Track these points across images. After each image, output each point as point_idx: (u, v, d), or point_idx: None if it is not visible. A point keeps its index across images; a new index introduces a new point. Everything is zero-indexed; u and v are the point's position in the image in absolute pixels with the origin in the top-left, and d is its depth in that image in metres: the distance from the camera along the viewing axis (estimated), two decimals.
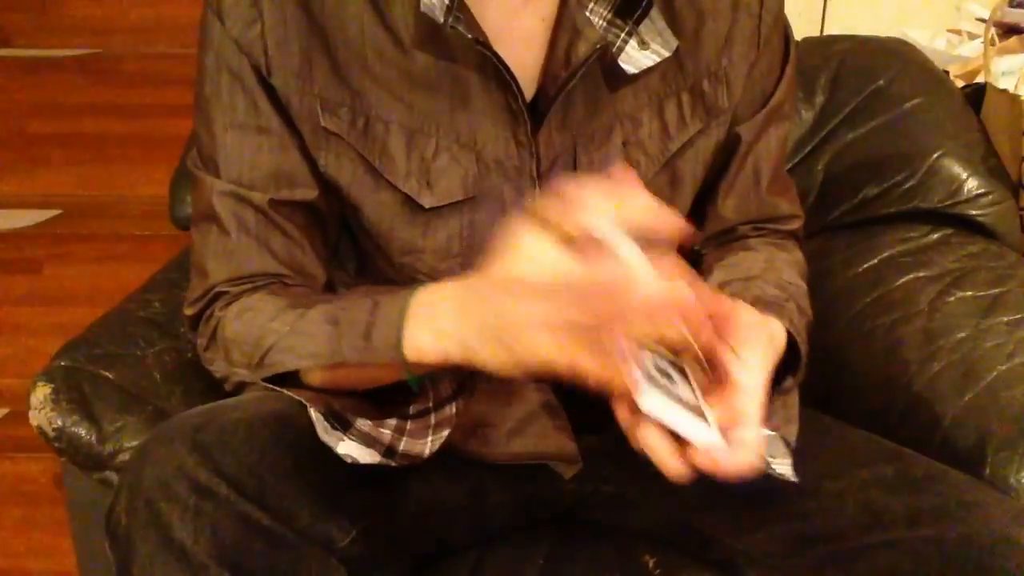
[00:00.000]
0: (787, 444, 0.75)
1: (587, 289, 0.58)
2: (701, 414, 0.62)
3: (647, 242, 0.59)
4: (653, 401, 0.60)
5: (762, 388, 0.64)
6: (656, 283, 0.57)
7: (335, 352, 0.70)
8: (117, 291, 1.10)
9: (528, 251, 0.61)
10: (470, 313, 0.63)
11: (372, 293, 0.72)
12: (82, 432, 0.89)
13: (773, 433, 0.74)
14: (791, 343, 0.74)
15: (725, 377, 0.63)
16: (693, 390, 0.63)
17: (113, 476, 0.89)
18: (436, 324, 0.65)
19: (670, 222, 0.60)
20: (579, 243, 0.59)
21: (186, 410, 0.72)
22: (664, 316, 0.57)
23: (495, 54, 0.75)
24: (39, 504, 1.62)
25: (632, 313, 0.56)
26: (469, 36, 0.74)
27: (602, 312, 0.57)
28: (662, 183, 0.84)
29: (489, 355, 0.62)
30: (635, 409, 0.61)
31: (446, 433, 0.71)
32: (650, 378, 0.61)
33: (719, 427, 0.61)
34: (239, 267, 0.80)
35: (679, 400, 0.61)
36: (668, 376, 0.62)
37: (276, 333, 0.74)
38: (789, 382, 0.76)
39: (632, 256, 0.58)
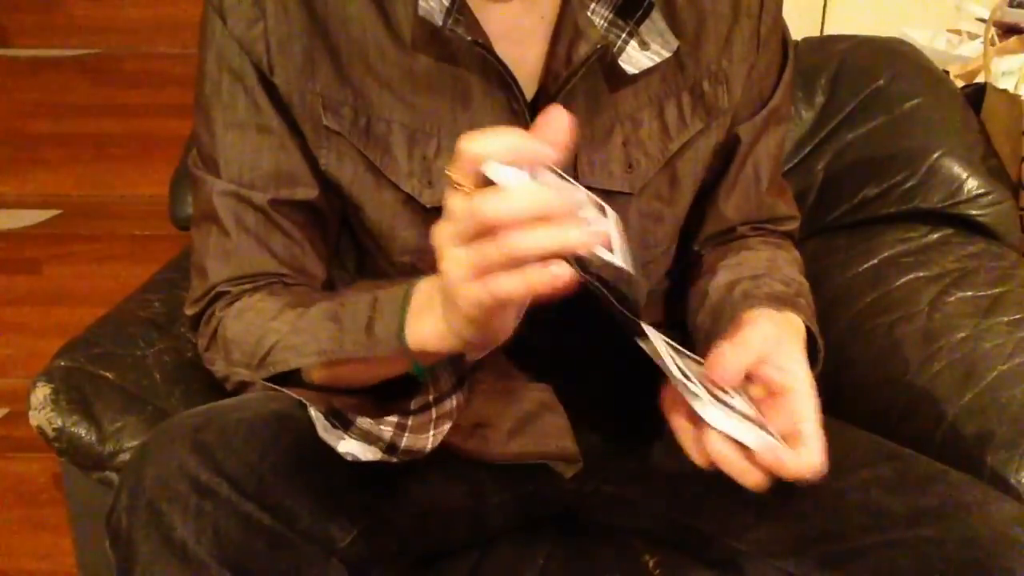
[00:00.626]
0: None
1: (467, 223, 0.55)
2: (761, 423, 0.63)
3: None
4: (714, 412, 0.61)
5: (812, 387, 0.65)
6: (532, 192, 0.54)
7: (337, 348, 0.70)
8: (117, 291, 1.10)
9: (448, 217, 0.57)
10: (439, 298, 0.62)
11: (371, 288, 0.72)
12: (82, 432, 0.89)
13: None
14: (809, 337, 0.75)
15: (774, 389, 0.65)
16: (748, 402, 0.64)
17: (113, 476, 0.89)
18: (434, 312, 0.64)
19: (545, 153, 0.55)
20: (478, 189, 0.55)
21: (186, 410, 0.72)
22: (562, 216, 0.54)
23: (496, 56, 0.75)
24: (39, 504, 1.62)
25: (512, 224, 0.53)
26: (469, 39, 0.74)
27: (483, 234, 0.54)
28: (662, 183, 0.84)
29: (468, 331, 0.60)
30: (695, 422, 0.62)
31: (447, 427, 0.71)
32: (708, 391, 0.62)
33: (779, 435, 0.63)
34: (240, 267, 0.80)
35: (737, 412, 0.62)
36: (724, 391, 0.63)
37: (277, 332, 0.74)
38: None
39: (517, 181, 0.54)
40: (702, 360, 0.65)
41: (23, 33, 2.20)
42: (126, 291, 1.08)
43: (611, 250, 0.56)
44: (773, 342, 0.67)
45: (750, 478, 0.62)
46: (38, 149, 2.13)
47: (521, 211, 0.52)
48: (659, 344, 0.62)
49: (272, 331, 0.74)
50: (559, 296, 0.54)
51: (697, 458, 0.64)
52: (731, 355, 0.65)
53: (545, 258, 0.53)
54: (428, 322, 0.64)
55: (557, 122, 0.56)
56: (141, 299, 1.05)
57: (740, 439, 0.61)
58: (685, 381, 0.61)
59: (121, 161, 2.11)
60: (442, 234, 0.56)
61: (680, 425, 0.64)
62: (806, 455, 0.63)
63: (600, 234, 0.56)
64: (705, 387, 0.62)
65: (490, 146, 0.54)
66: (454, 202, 0.55)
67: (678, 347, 0.66)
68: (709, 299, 0.82)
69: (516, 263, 0.53)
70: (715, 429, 0.61)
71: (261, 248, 0.80)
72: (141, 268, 1.18)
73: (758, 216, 0.90)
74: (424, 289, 0.66)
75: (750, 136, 0.86)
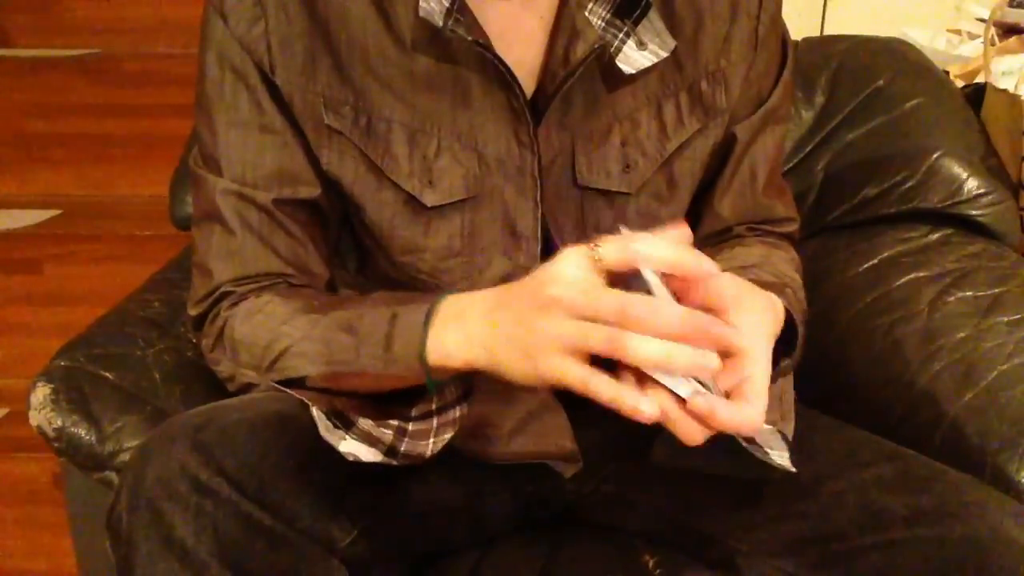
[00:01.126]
0: (784, 437, 0.75)
1: (612, 316, 0.59)
2: (703, 381, 0.63)
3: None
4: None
5: (765, 356, 0.65)
6: (680, 314, 0.60)
7: (353, 360, 0.71)
8: (117, 291, 1.09)
9: (567, 274, 0.62)
10: (499, 322, 0.64)
11: (389, 303, 0.72)
12: (82, 432, 0.89)
13: (770, 427, 0.74)
14: (789, 326, 0.74)
15: (729, 349, 0.64)
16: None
17: (113, 476, 0.89)
18: (466, 329, 0.66)
19: (699, 270, 0.62)
20: (617, 280, 0.62)
21: (186, 410, 0.72)
22: (683, 345, 0.59)
23: (496, 56, 0.75)
24: (39, 504, 1.62)
25: (650, 340, 0.59)
26: (469, 39, 0.74)
27: (620, 340, 0.59)
28: (660, 183, 0.84)
29: (513, 365, 0.63)
30: (641, 379, 0.62)
31: (449, 436, 0.71)
32: None
33: (723, 391, 0.63)
34: (244, 267, 0.80)
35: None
36: None
37: (289, 337, 0.74)
38: (786, 363, 0.76)
39: (663, 296, 0.61)
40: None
41: (23, 33, 2.20)
42: (126, 291, 1.08)
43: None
44: (737, 291, 0.66)
45: (685, 429, 0.61)
46: (38, 149, 2.13)
47: (672, 328, 0.59)
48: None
49: (284, 336, 0.74)
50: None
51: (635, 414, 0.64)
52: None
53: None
54: (454, 337, 0.66)
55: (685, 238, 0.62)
56: (141, 299, 1.05)
57: (673, 388, 0.61)
58: None
59: (121, 161, 2.11)
60: (561, 294, 0.61)
61: (626, 379, 0.63)
62: (745, 410, 0.61)
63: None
64: None
65: (655, 254, 0.60)
66: (587, 276, 0.61)
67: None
68: None
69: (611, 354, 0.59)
70: (653, 377, 0.61)
71: (265, 248, 0.80)
72: (141, 268, 1.18)
73: (754, 216, 0.90)
74: (454, 304, 0.68)
75: (747, 136, 0.86)
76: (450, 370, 0.68)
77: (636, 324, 0.59)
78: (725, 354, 0.63)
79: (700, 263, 0.61)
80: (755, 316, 0.66)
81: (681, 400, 0.61)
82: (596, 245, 0.61)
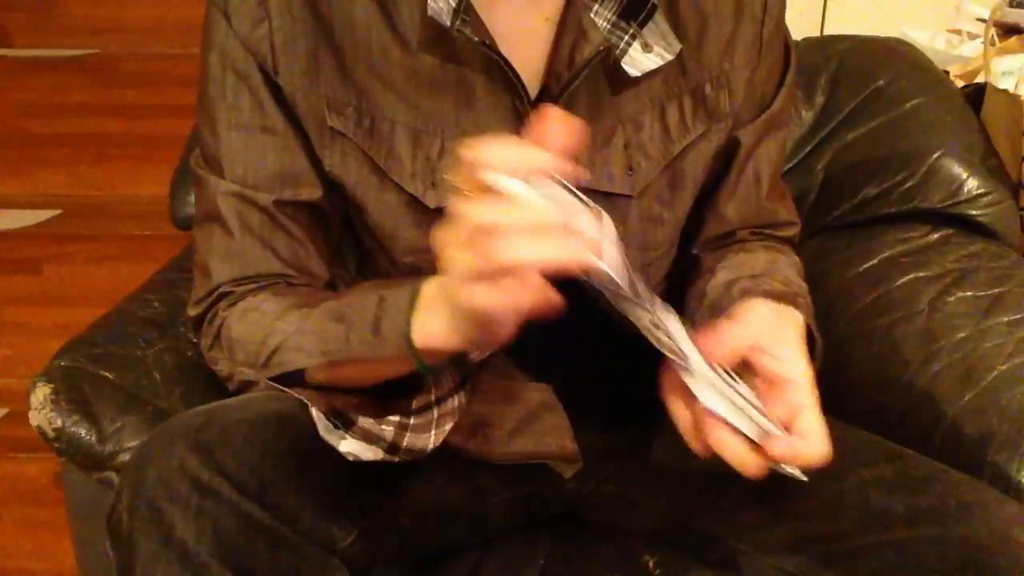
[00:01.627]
0: None
1: (464, 228, 0.55)
2: (762, 411, 0.63)
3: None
4: (710, 395, 0.61)
5: (810, 376, 0.65)
6: (542, 207, 0.55)
7: (344, 348, 0.70)
8: (117, 291, 1.09)
9: (449, 214, 0.58)
10: (446, 295, 0.63)
11: (376, 288, 0.72)
12: (82, 432, 0.89)
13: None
14: (808, 337, 0.75)
15: (772, 379, 0.65)
16: (751, 392, 0.64)
17: (113, 476, 0.89)
18: (440, 310, 0.64)
19: (558, 167, 0.56)
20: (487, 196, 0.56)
21: (186, 410, 0.72)
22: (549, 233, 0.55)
23: (502, 56, 0.75)
24: (39, 504, 1.62)
25: (515, 235, 0.54)
26: (476, 39, 0.74)
27: (480, 240, 0.55)
28: (663, 186, 0.84)
29: (469, 332, 0.61)
30: (693, 409, 0.62)
31: (449, 426, 0.71)
32: (705, 378, 0.62)
33: (780, 424, 0.63)
34: (244, 267, 0.80)
35: (741, 398, 0.62)
36: (728, 377, 0.63)
37: (282, 332, 0.74)
38: None
39: (525, 195, 0.55)
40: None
41: (23, 33, 2.20)
42: (126, 291, 1.08)
43: (601, 258, 0.57)
44: (769, 328, 0.67)
45: (750, 467, 0.62)
46: (38, 149, 2.14)
47: (513, 222, 0.53)
48: (669, 323, 0.62)
49: (277, 331, 0.74)
50: (548, 311, 0.55)
51: (695, 446, 0.64)
52: (727, 331, 0.65)
53: (533, 269, 0.54)
54: (434, 320, 0.65)
55: (556, 125, 0.56)
56: (141, 299, 1.05)
57: (736, 424, 0.61)
58: (684, 361, 0.61)
59: (121, 161, 2.11)
60: (443, 236, 0.57)
61: (678, 411, 0.64)
62: (810, 444, 0.63)
63: (587, 247, 0.56)
64: (708, 372, 0.62)
65: (490, 154, 0.54)
66: (455, 206, 0.56)
67: (683, 328, 0.65)
68: (707, 298, 0.82)
69: (505, 272, 0.54)
70: (712, 414, 0.61)
71: (265, 249, 0.80)
72: (141, 268, 1.18)
73: (758, 220, 0.90)
74: (431, 287, 0.66)
75: (751, 140, 0.86)
76: (438, 352, 0.66)
77: (501, 226, 0.54)
78: (770, 385, 0.64)
79: (532, 156, 0.55)
80: (791, 341, 0.67)
81: (741, 433, 0.61)
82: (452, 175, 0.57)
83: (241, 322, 0.78)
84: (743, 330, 0.67)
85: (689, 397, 0.63)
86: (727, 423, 0.61)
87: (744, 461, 0.62)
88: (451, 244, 0.57)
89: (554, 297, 0.55)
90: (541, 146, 0.55)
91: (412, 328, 0.65)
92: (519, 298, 0.55)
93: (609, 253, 0.58)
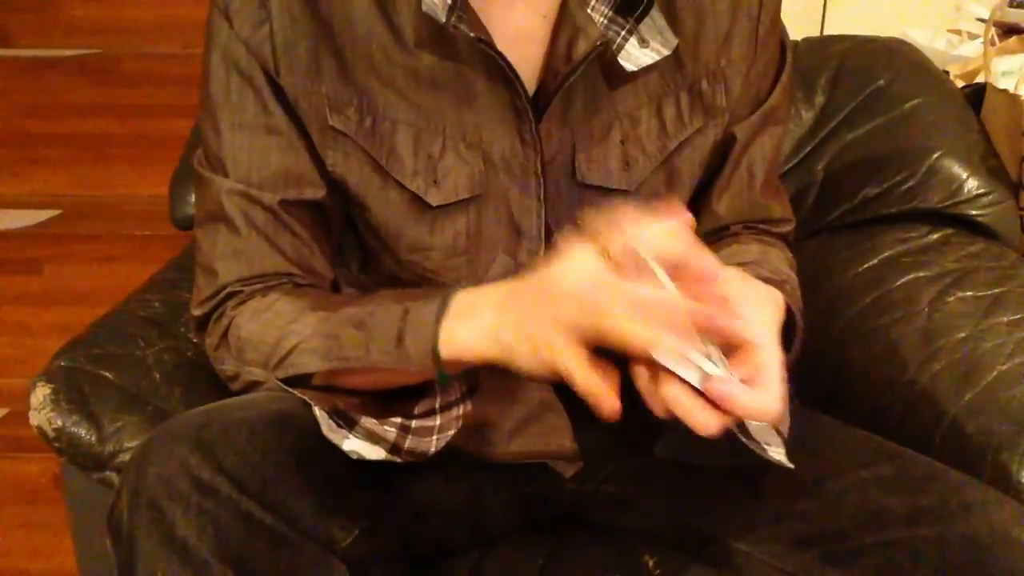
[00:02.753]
0: (780, 433, 0.75)
1: (619, 299, 0.60)
2: (716, 362, 0.62)
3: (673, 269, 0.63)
4: (668, 355, 0.61)
5: (776, 347, 0.65)
6: (683, 301, 0.60)
7: (363, 356, 0.71)
8: (117, 291, 1.09)
9: (577, 268, 0.62)
10: (509, 313, 0.65)
11: (400, 299, 0.72)
12: (82, 432, 0.89)
13: (766, 424, 0.74)
14: (787, 322, 0.74)
15: (736, 340, 0.64)
16: (719, 354, 0.63)
17: (113, 476, 0.89)
18: (478, 322, 0.66)
19: (697, 256, 0.63)
20: (620, 263, 0.62)
21: (186, 410, 0.72)
22: (687, 330, 0.60)
23: (499, 53, 0.75)
24: (39, 504, 1.62)
25: (658, 327, 0.59)
26: (472, 35, 0.74)
27: (630, 323, 0.60)
28: (659, 181, 0.84)
29: (525, 358, 0.64)
30: (654, 372, 0.62)
31: (452, 433, 0.71)
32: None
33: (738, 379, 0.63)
34: (250, 267, 0.80)
35: (693, 353, 0.62)
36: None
37: (298, 335, 0.74)
38: (787, 356, 0.76)
39: (664, 278, 0.61)
40: None
41: (23, 33, 2.20)
42: (126, 291, 1.08)
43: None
44: (740, 288, 0.66)
45: (700, 419, 0.60)
46: (38, 149, 2.14)
47: (670, 320, 0.60)
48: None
49: (293, 333, 0.75)
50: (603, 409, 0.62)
51: (655, 407, 0.63)
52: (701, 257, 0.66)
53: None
54: (468, 331, 0.67)
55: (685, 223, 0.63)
56: (141, 299, 1.05)
57: (686, 377, 0.61)
58: None
59: (121, 161, 2.11)
60: (575, 281, 0.62)
61: (640, 374, 0.63)
62: (763, 396, 0.61)
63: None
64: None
65: (661, 246, 0.61)
66: (616, 285, 0.61)
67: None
68: None
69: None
70: (661, 365, 0.61)
71: (271, 248, 0.80)
72: (141, 268, 1.18)
73: (751, 216, 0.90)
74: (467, 299, 0.68)
75: (746, 136, 0.86)
76: (462, 364, 0.68)
77: (645, 315, 0.59)
78: (735, 346, 0.63)
79: (705, 261, 0.62)
80: (761, 308, 0.67)
81: (697, 391, 0.61)
82: (602, 238, 0.62)
83: (253, 322, 0.78)
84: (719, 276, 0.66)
85: (650, 359, 0.62)
86: (681, 379, 0.61)
87: (695, 416, 0.60)
88: (571, 293, 0.61)
89: (615, 414, 0.61)
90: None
91: (440, 338, 0.67)
92: (599, 393, 0.60)
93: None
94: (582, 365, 0.61)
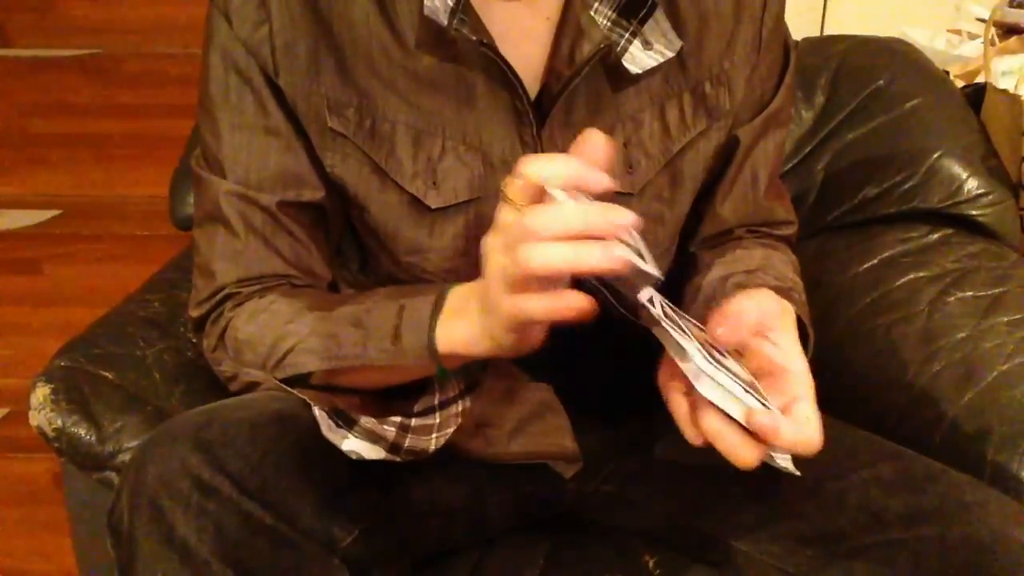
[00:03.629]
0: None
1: (518, 234, 0.58)
2: (762, 396, 0.62)
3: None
4: (708, 384, 0.60)
5: (807, 370, 0.65)
6: (581, 208, 0.57)
7: (361, 354, 0.71)
8: (117, 291, 1.10)
9: (497, 223, 0.61)
10: (484, 300, 0.64)
11: (396, 296, 0.72)
12: (82, 432, 0.89)
13: None
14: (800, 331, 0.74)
15: (770, 367, 0.64)
16: (749, 376, 0.64)
17: (113, 476, 0.89)
18: (469, 317, 0.66)
19: (602, 183, 0.59)
20: (525, 204, 0.60)
21: (186, 410, 0.72)
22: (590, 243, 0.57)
23: (500, 56, 0.75)
24: (39, 504, 1.62)
25: (548, 245, 0.57)
26: (474, 38, 0.74)
27: (528, 251, 0.57)
28: (663, 183, 0.84)
29: (505, 339, 0.63)
30: (690, 398, 0.61)
31: (451, 431, 0.71)
32: (704, 367, 0.61)
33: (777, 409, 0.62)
34: (248, 268, 0.80)
35: (739, 382, 0.62)
36: (721, 366, 0.63)
37: (296, 335, 0.74)
38: None
39: (561, 196, 0.58)
40: (703, 327, 0.65)
41: (23, 33, 2.20)
42: (126, 291, 1.08)
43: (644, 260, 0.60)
44: (772, 314, 0.67)
45: (741, 453, 0.61)
46: (38, 149, 2.14)
47: (570, 226, 0.56)
48: (661, 310, 0.63)
49: (291, 333, 0.75)
50: (580, 316, 0.58)
51: (689, 434, 0.63)
52: (739, 303, 0.65)
53: (575, 274, 0.57)
54: (462, 326, 0.67)
55: (598, 148, 0.60)
56: (141, 299, 1.05)
57: (729, 411, 0.60)
58: (683, 345, 0.61)
59: (121, 161, 2.11)
60: (490, 243, 0.61)
61: (675, 400, 0.63)
62: (806, 429, 0.62)
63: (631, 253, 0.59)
64: (705, 360, 0.62)
65: (552, 171, 0.58)
66: (505, 214, 0.60)
67: (680, 313, 0.65)
68: (703, 292, 0.82)
69: (541, 277, 0.57)
70: (706, 400, 0.61)
71: (269, 249, 0.80)
72: (141, 268, 1.18)
73: (755, 219, 0.90)
74: (460, 293, 0.68)
75: (749, 138, 0.86)
76: (460, 359, 0.68)
77: (542, 233, 0.57)
78: (767, 371, 0.64)
79: (595, 175, 0.59)
80: (793, 335, 0.66)
81: (735, 421, 0.60)
82: (506, 186, 0.61)
83: (250, 323, 0.78)
84: (750, 310, 0.66)
85: (686, 386, 0.63)
86: (721, 411, 0.61)
87: (736, 451, 0.61)
88: (495, 250, 0.60)
89: (586, 303, 0.58)
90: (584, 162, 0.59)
91: (437, 333, 0.68)
92: (554, 304, 0.58)
93: (646, 254, 0.61)
94: (530, 302, 0.59)
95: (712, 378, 0.61)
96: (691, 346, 0.61)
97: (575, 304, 0.58)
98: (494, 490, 0.85)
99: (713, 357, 0.62)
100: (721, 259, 0.85)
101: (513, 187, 0.60)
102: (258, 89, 0.78)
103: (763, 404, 0.61)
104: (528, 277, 0.58)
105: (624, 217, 0.57)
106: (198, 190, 0.83)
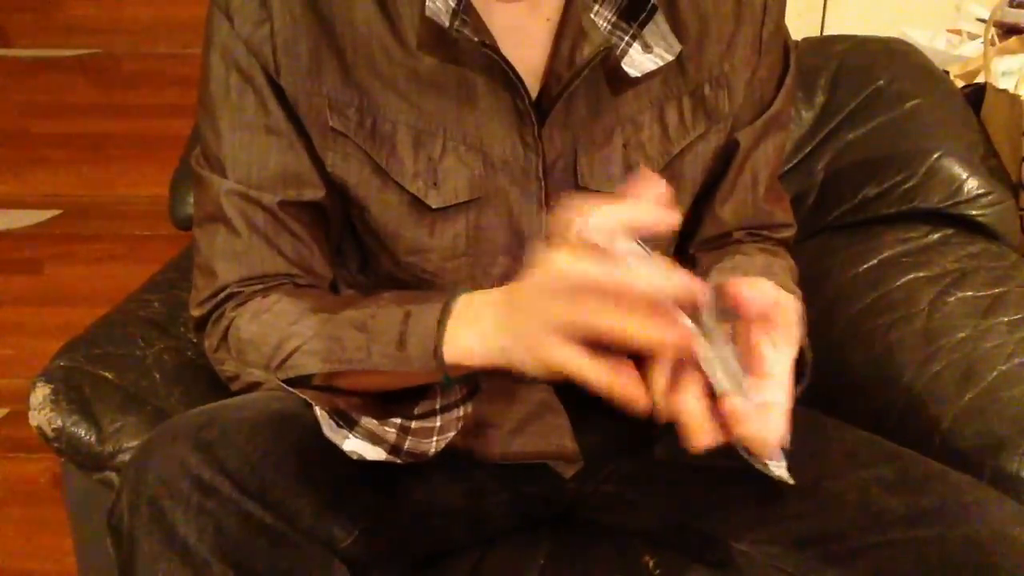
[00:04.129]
0: (781, 448, 0.75)
1: (588, 290, 0.58)
2: (740, 375, 0.62)
3: (651, 242, 0.60)
4: (704, 347, 0.60)
5: (788, 381, 0.64)
6: (657, 277, 0.57)
7: (364, 359, 0.71)
8: (117, 291, 1.10)
9: (557, 261, 0.61)
10: (505, 317, 0.64)
11: (402, 301, 0.72)
12: (82, 432, 0.89)
13: None
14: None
15: (757, 366, 0.63)
16: (736, 357, 0.63)
17: (113, 476, 0.89)
18: (481, 327, 0.66)
19: (668, 221, 0.60)
20: (593, 253, 0.60)
21: (186, 410, 0.72)
22: (664, 311, 0.58)
23: (502, 57, 0.75)
24: (39, 504, 1.62)
25: (631, 309, 0.57)
26: (475, 39, 0.74)
27: (600, 310, 0.57)
28: None
29: (525, 360, 0.63)
30: (675, 378, 0.61)
31: (452, 435, 0.71)
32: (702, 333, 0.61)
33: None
34: (250, 268, 0.80)
35: (724, 359, 0.61)
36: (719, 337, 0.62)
37: (300, 336, 0.74)
38: (797, 389, 0.76)
39: (633, 258, 0.59)
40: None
41: (23, 33, 2.20)
42: (126, 291, 1.08)
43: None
44: (789, 311, 0.65)
45: (698, 431, 0.60)
46: (38, 149, 2.14)
47: (628, 291, 0.56)
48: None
49: (294, 335, 0.75)
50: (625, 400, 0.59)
51: (660, 408, 0.62)
52: (764, 284, 0.64)
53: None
54: (471, 336, 0.66)
55: (658, 193, 0.59)
56: (141, 299, 1.05)
57: (712, 379, 0.60)
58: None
59: (121, 161, 2.12)
60: (544, 282, 0.60)
61: (656, 371, 0.62)
62: (768, 428, 0.60)
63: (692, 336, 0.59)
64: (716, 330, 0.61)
65: (618, 219, 0.58)
66: (567, 258, 0.58)
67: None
68: None
69: (612, 341, 0.57)
70: (693, 368, 0.60)
71: (271, 249, 0.80)
72: (141, 268, 1.18)
73: (754, 222, 0.90)
74: (470, 302, 0.68)
75: (749, 141, 0.86)
76: (465, 368, 0.68)
77: (625, 297, 0.57)
78: (753, 370, 0.63)
79: (657, 214, 0.59)
80: (792, 347, 0.65)
81: (710, 399, 0.60)
82: (573, 227, 0.60)
83: (254, 323, 0.78)
84: (777, 294, 0.64)
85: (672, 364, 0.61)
86: (696, 390, 0.60)
87: (694, 427, 0.60)
88: (555, 293, 0.59)
89: (643, 399, 0.58)
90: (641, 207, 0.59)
91: (444, 341, 0.67)
92: (613, 383, 0.58)
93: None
94: (583, 362, 0.59)
95: (712, 342, 0.60)
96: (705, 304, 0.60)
97: (631, 395, 0.58)
98: (494, 490, 0.85)
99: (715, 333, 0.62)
100: (720, 266, 0.85)
101: (578, 232, 0.59)
102: (259, 88, 0.78)
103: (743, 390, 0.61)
104: (591, 334, 0.57)
105: (699, 291, 0.58)
106: (198, 190, 0.83)
